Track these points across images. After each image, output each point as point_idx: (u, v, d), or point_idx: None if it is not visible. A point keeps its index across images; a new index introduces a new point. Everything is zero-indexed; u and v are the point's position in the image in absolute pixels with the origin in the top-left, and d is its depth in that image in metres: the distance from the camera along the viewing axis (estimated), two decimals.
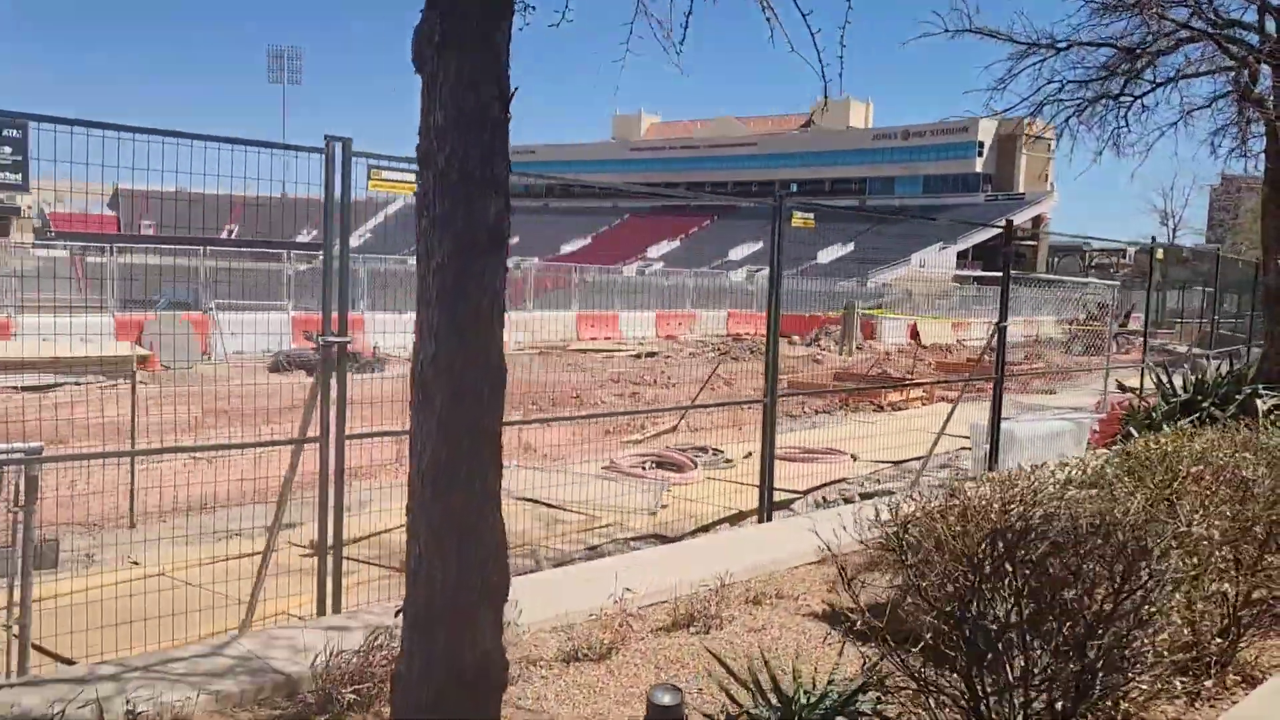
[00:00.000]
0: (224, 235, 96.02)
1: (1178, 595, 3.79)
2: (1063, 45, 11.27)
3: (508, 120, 3.08)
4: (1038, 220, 76.08)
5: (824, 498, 10.60)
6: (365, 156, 5.76)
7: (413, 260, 3.21)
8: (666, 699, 3.51)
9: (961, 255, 70.97)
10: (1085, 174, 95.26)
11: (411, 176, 5.16)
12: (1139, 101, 11.77)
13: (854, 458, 12.15)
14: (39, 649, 5.41)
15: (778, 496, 10.31)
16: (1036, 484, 3.78)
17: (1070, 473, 4.36)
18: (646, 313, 29.43)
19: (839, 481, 11.16)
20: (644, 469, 11.05)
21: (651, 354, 23.70)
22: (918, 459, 11.71)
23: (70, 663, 5.28)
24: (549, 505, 9.47)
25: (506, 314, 3.27)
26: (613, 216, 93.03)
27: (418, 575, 3.15)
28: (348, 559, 7.61)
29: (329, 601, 5.78)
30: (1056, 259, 76.68)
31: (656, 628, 5.70)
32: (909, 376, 19.19)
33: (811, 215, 9.03)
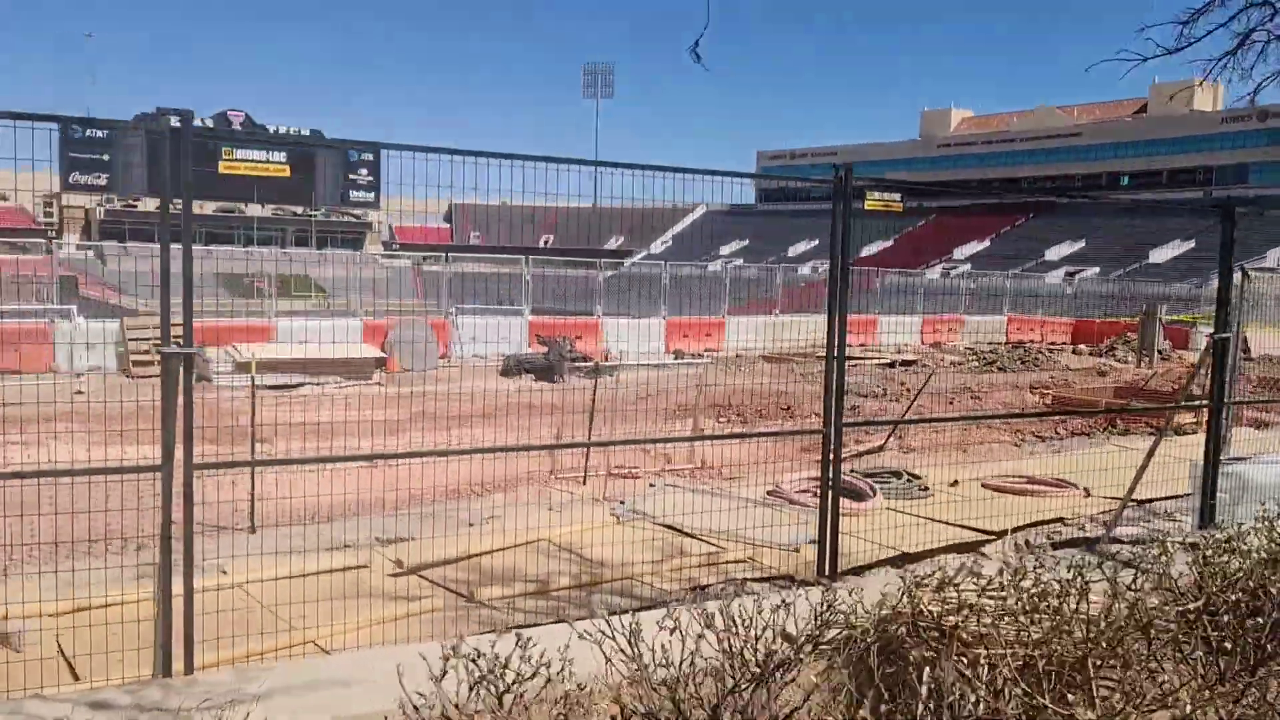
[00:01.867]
0: (540, 244, 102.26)
1: None
2: None
3: None
4: None
5: (1026, 540, 8.82)
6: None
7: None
8: None
9: None
10: None
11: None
12: None
13: (1087, 492, 10.15)
14: None
15: (966, 536, 8.75)
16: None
17: None
18: (910, 318, 27.27)
19: (1052, 522, 9.29)
20: (814, 494, 9.76)
21: (908, 362, 21.80)
22: (1173, 497, 9.57)
23: None
24: (683, 533, 8.51)
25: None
26: (917, 217, 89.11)
27: None
28: (425, 579, 7.10)
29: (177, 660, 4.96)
30: None
31: None
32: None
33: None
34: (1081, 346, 24.68)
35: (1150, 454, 7.95)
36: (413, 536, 8.09)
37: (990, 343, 25.55)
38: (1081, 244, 72.60)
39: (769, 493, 9.73)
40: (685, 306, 24.33)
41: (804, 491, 9.85)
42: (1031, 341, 26.43)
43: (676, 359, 21.84)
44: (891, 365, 21.35)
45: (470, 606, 6.61)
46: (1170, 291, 41.40)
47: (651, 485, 10.10)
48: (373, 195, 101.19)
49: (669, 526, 8.64)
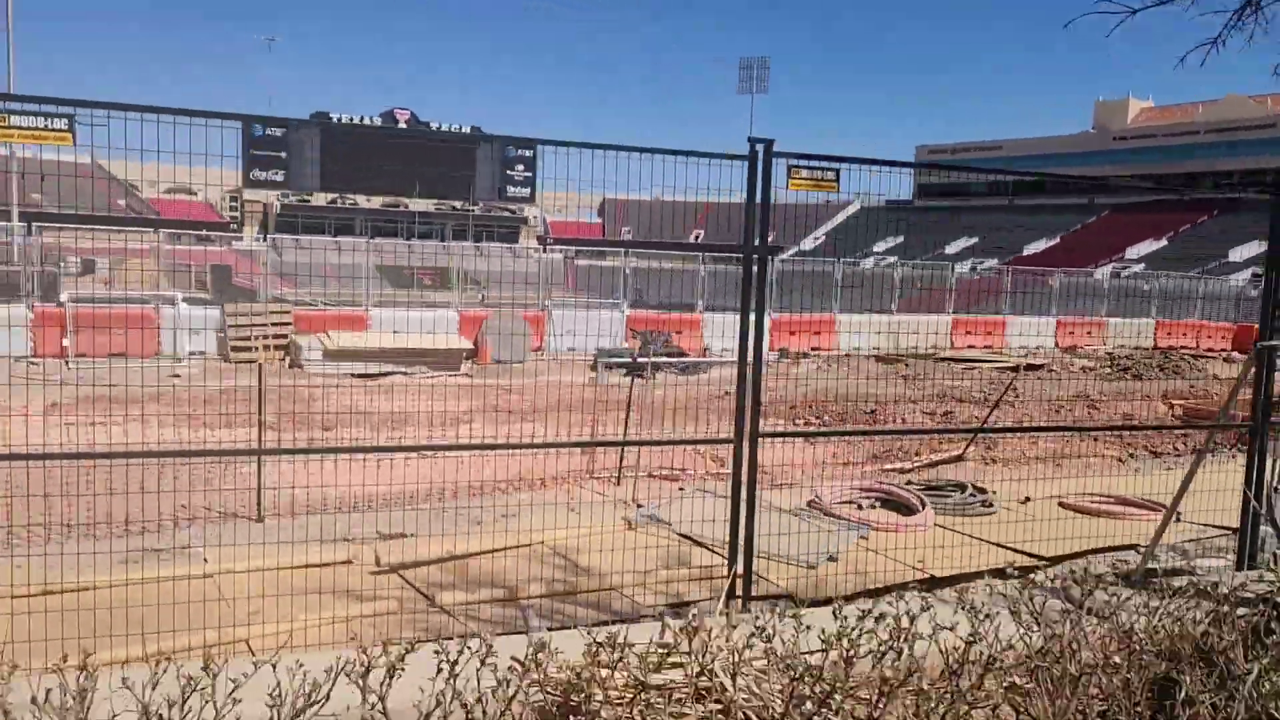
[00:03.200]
0: (690, 239, 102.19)
1: None
2: None
3: None
4: None
5: (1083, 569, 7.85)
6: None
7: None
8: None
9: None
10: None
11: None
12: None
13: (1178, 516, 8.99)
14: None
15: (1019, 561, 7.87)
16: None
17: None
18: (1044, 319, 25.38)
19: (1121, 548, 8.26)
20: (859, 507, 9.02)
21: (1034, 366, 20.28)
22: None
23: None
24: (696, 542, 7.98)
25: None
26: (1087, 214, 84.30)
27: None
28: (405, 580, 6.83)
29: None
30: None
31: None
32: None
33: None
34: (1235, 355, 22.45)
35: (1190, 475, 6.94)
36: (413, 533, 7.86)
37: (1135, 348, 23.55)
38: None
39: (809, 503, 9.05)
40: (800, 304, 23.43)
41: (847, 502, 9.14)
42: (1184, 347, 24.24)
43: (781, 357, 21.08)
44: (1015, 369, 19.93)
45: (431, 611, 6.29)
46: None
47: (681, 489, 9.56)
48: (528, 190, 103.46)
49: (684, 535, 8.12)
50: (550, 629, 5.57)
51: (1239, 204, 71.06)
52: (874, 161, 5.44)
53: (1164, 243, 74.30)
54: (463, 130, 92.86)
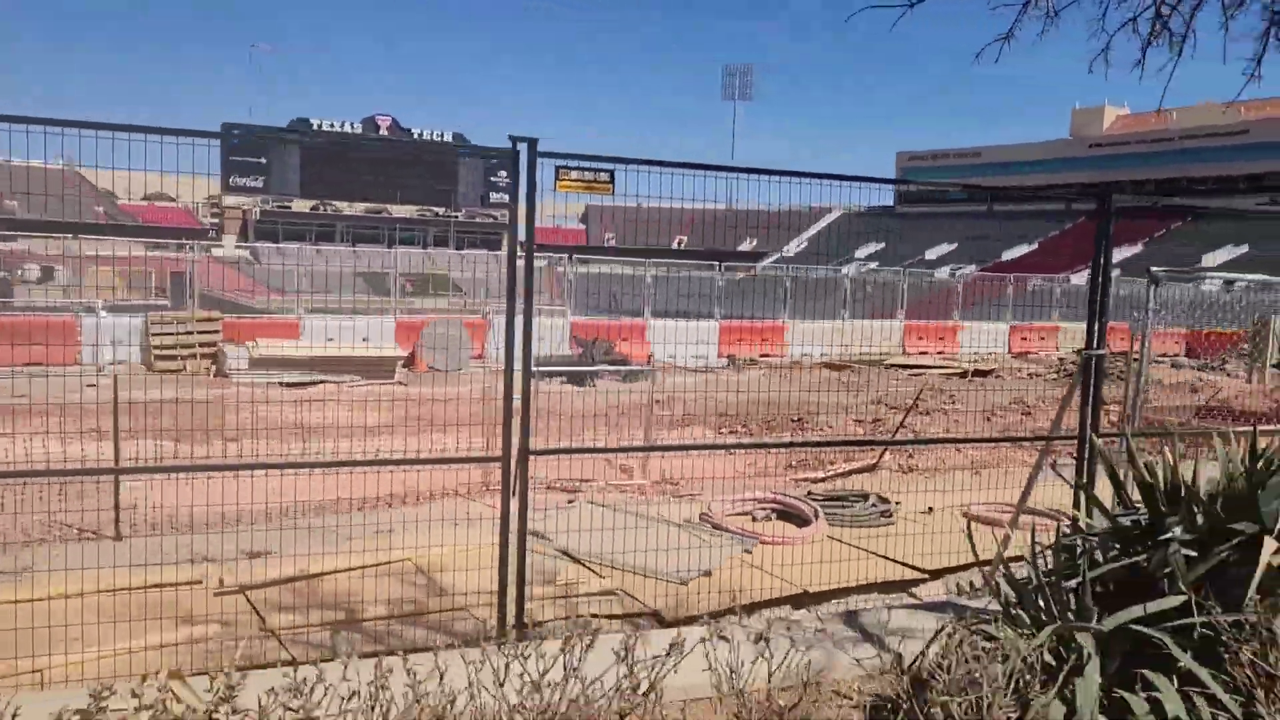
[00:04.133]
0: (674, 245, 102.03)
1: None
2: None
3: None
4: None
5: (970, 584, 7.60)
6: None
7: None
8: None
9: None
10: None
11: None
12: None
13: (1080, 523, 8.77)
14: None
15: (900, 574, 7.64)
16: None
17: None
18: (997, 325, 25.19)
19: (1014, 560, 8.00)
20: (754, 518, 8.76)
21: (981, 372, 20.06)
22: None
23: None
24: (572, 558, 7.70)
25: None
26: (1064, 220, 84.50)
27: None
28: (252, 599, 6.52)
29: None
30: None
31: None
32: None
33: None
34: (1182, 359, 22.33)
35: (1026, 491, 6.74)
36: (275, 552, 7.55)
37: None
38: (1245, 249, 67.17)
39: (701, 515, 8.79)
40: (751, 310, 23.17)
41: (742, 514, 8.88)
42: (1135, 353, 24.11)
43: (730, 364, 20.84)
44: (964, 375, 19.72)
45: (258, 636, 6.00)
46: None
47: (570, 502, 9.28)
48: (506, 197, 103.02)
49: (561, 550, 7.83)
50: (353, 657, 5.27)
51: (1212, 211, 71.27)
52: (647, 162, 5.14)
53: (1140, 248, 74.43)
54: (444, 138, 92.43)
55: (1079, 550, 4.28)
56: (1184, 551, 3.82)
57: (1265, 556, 3.60)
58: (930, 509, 9.22)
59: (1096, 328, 6.22)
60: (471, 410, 12.13)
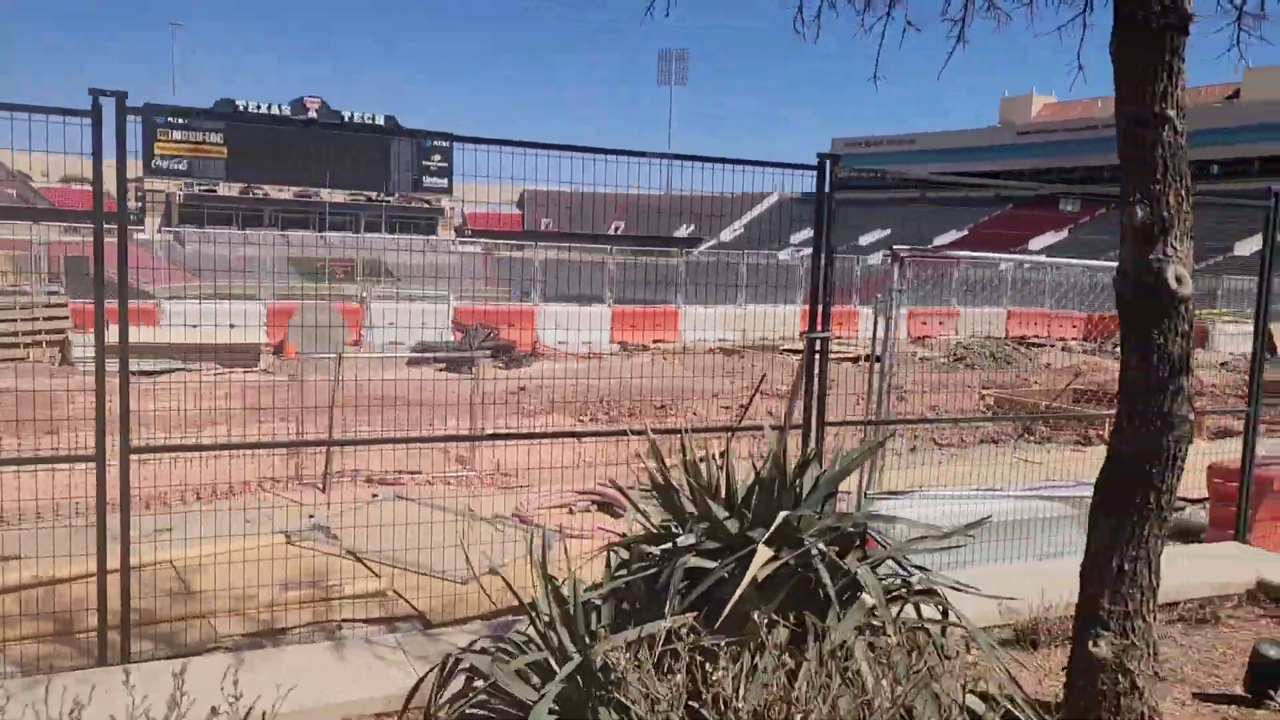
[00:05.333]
0: (611, 230, 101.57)
1: None
2: None
3: None
4: None
5: None
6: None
7: None
8: None
9: None
10: None
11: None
12: None
13: None
14: None
15: None
16: None
17: None
18: (897, 309, 24.98)
19: None
20: (570, 510, 8.32)
21: (872, 357, 19.83)
22: None
23: None
24: (358, 558, 7.17)
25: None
26: (994, 207, 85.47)
27: None
28: None
29: None
30: None
31: None
32: None
33: None
34: (1072, 344, 22.43)
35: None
36: (24, 555, 6.91)
37: (987, 337, 23.35)
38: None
39: (515, 510, 8.32)
40: (645, 295, 22.76)
41: (560, 506, 8.43)
42: (1034, 337, 24.15)
43: (622, 350, 20.39)
44: (857, 360, 19.48)
45: None
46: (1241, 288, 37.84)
47: (375, 495, 8.76)
48: (446, 181, 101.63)
49: (349, 550, 7.30)
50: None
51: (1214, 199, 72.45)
52: (230, 117, 4.55)
53: (1065, 235, 75.56)
54: (376, 120, 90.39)
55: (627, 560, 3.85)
56: (696, 563, 3.43)
57: (753, 569, 3.19)
58: None
59: (820, 309, 5.82)
60: (307, 398, 11.53)
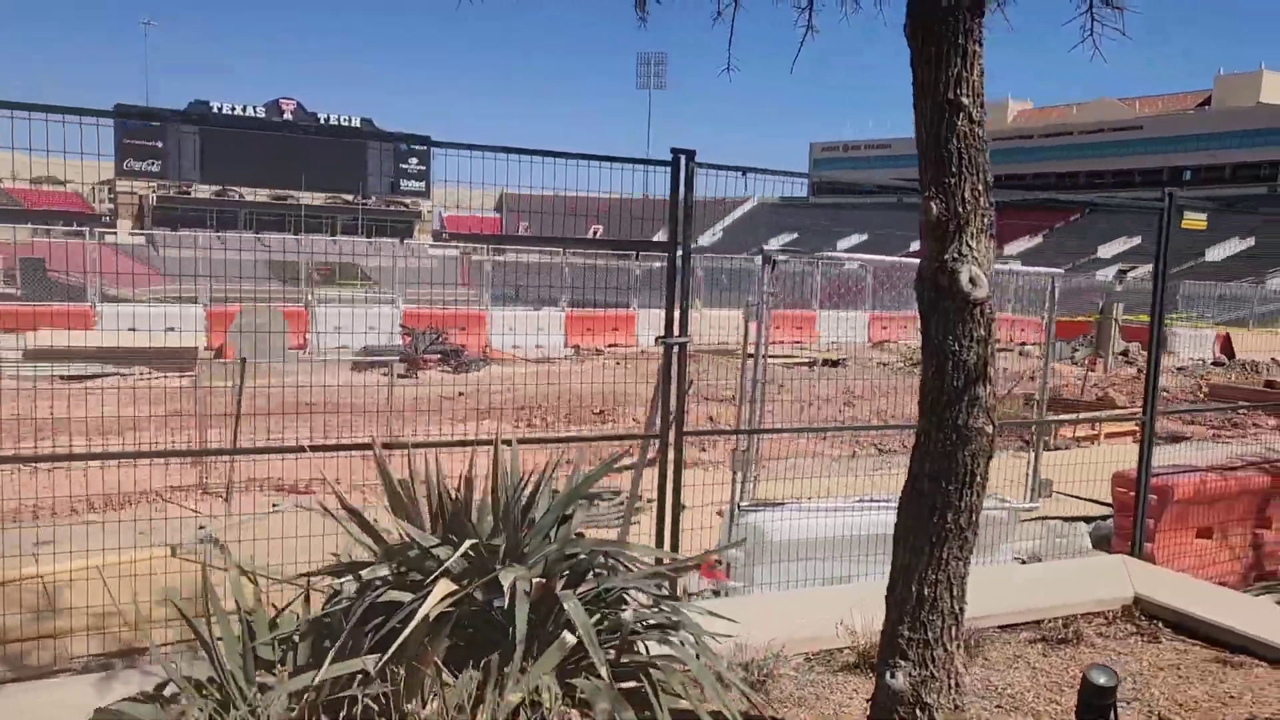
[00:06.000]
0: (590, 235, 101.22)
1: None
2: None
3: None
4: None
5: None
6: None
7: None
8: None
9: None
10: None
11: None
12: None
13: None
14: None
15: None
16: None
17: None
18: (857, 313, 24.93)
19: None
20: None
21: (835, 363, 19.75)
22: None
23: None
24: (244, 572, 6.88)
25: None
26: None
27: None
28: None
29: None
30: None
31: None
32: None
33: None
34: (1030, 347, 22.36)
35: (634, 491, 6.22)
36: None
37: None
38: (1138, 240, 68.83)
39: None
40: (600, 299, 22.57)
41: None
42: (995, 340, 24.08)
43: (576, 355, 20.17)
44: (812, 365, 19.37)
45: None
46: (1222, 294, 37.93)
47: (275, 506, 8.50)
48: (423, 185, 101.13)
49: (239, 565, 7.02)
50: None
51: (1107, 203, 72.89)
52: (74, 111, 4.11)
53: (1040, 239, 75.91)
54: (353, 123, 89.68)
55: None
56: (394, 596, 3.20)
57: (428, 604, 2.96)
58: (684, 506, 8.63)
59: (677, 313, 5.62)
60: (228, 404, 11.25)
